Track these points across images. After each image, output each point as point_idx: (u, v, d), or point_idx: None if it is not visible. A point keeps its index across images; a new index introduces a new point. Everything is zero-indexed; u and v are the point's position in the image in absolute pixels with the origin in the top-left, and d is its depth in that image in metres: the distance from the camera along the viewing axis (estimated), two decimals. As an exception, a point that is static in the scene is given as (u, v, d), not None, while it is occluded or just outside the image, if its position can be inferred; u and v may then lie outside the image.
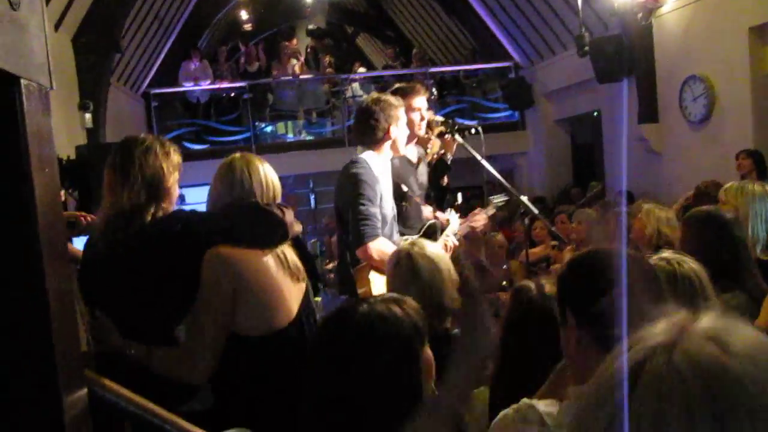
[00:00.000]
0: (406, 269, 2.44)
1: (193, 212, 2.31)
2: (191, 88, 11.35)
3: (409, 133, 3.62)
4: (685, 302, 2.04)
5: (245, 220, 2.23)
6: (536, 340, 1.83)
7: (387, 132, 3.41)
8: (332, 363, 1.49)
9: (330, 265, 9.22)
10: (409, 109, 3.67)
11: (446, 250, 3.68)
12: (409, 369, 1.47)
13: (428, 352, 1.55)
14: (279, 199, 2.37)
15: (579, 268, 1.57)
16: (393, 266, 2.51)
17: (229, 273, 2.15)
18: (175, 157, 2.30)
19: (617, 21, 8.20)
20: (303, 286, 2.33)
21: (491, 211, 4.10)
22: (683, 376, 0.66)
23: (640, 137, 8.15)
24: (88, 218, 2.78)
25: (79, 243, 2.85)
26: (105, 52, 7.84)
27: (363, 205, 3.25)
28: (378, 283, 3.26)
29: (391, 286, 2.55)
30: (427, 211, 3.90)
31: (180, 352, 2.16)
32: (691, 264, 2.11)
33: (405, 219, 3.73)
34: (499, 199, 4.18)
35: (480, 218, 3.93)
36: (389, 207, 3.47)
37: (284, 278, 2.25)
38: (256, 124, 11.58)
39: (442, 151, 4.11)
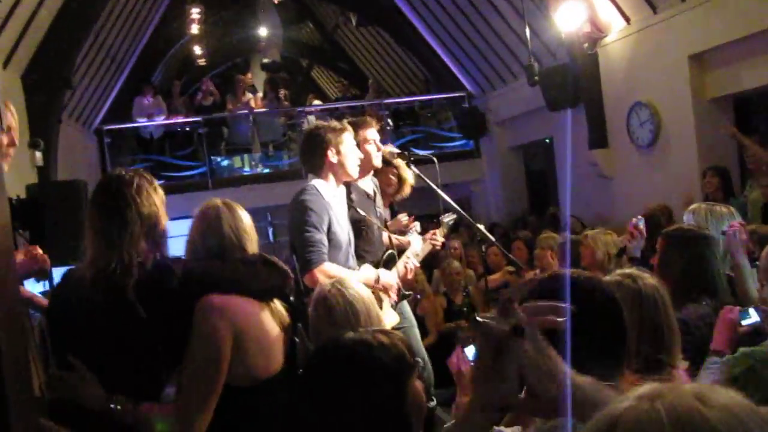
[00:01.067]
0: (323, 312, 2.37)
1: (188, 264, 2.19)
2: (145, 124, 11.24)
3: (364, 163, 3.66)
4: (648, 317, 2.07)
5: (254, 274, 2.16)
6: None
7: (325, 158, 3.44)
8: (317, 390, 1.46)
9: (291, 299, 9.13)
10: (363, 142, 3.73)
11: (406, 272, 3.73)
12: (394, 398, 1.43)
13: (418, 384, 1.51)
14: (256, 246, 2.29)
15: (541, 293, 1.58)
16: (313, 308, 2.45)
17: (227, 321, 2.04)
18: (161, 193, 2.20)
19: (564, 51, 8.45)
20: (284, 335, 2.25)
21: (444, 230, 4.17)
22: (660, 421, 0.68)
23: (591, 162, 8.36)
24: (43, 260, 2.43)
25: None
26: (56, 89, 7.72)
27: (308, 232, 3.27)
28: None
29: (311, 328, 2.48)
30: (385, 237, 3.93)
31: (174, 408, 2.00)
32: (651, 280, 2.16)
33: (367, 244, 3.75)
34: (449, 218, 4.25)
35: (438, 238, 4.00)
36: (344, 233, 3.47)
37: (274, 326, 2.19)
38: (212, 158, 11.51)
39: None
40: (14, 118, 2.33)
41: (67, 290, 2.12)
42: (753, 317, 2.43)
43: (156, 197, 2.14)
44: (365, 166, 3.72)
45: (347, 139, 3.50)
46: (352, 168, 3.54)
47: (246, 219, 2.28)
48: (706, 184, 6.03)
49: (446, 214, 4.38)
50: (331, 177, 3.49)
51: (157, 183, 2.21)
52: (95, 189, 2.19)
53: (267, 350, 2.14)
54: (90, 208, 2.13)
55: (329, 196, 3.44)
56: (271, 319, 2.18)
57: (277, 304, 2.25)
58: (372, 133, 3.82)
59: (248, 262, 2.19)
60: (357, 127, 3.73)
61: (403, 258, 3.74)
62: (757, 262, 2.78)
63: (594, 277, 1.63)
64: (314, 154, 3.45)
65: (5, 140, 2.26)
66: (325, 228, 3.33)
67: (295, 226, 3.35)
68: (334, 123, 3.56)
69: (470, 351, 2.57)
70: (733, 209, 3.46)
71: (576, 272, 1.57)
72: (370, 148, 3.77)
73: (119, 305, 2.01)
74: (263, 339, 2.13)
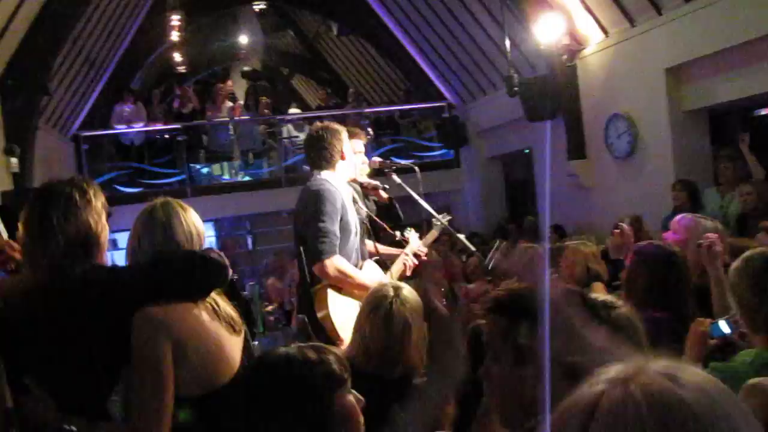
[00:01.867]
0: (383, 319, 2.44)
1: (114, 269, 2.12)
2: (123, 131, 11.14)
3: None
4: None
5: (185, 268, 2.07)
6: None
7: (341, 153, 3.54)
8: (247, 403, 1.55)
9: (269, 308, 9.07)
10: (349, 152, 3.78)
11: (405, 269, 3.80)
12: (315, 413, 1.52)
13: (349, 399, 1.59)
14: (203, 246, 2.20)
15: (515, 304, 1.59)
16: (371, 310, 2.50)
17: (164, 333, 1.97)
18: (98, 202, 2.08)
19: (544, 62, 8.54)
20: (241, 337, 2.17)
21: (436, 232, 4.19)
22: (638, 405, 0.69)
23: (570, 173, 8.43)
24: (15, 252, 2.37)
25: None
26: (32, 94, 7.63)
27: (322, 221, 3.30)
28: (338, 304, 3.29)
29: (362, 326, 2.52)
30: (369, 245, 3.96)
31: (128, 428, 1.95)
32: (625, 309, 2.13)
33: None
34: (441, 221, 4.26)
35: (427, 240, 4.06)
36: (353, 222, 3.52)
37: (220, 330, 2.09)
38: (191, 166, 11.43)
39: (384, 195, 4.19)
40: None
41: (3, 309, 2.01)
42: (724, 329, 2.46)
43: (88, 211, 2.04)
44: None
45: (347, 138, 3.62)
46: (353, 167, 3.68)
47: (185, 221, 2.15)
48: (674, 196, 6.15)
49: (438, 217, 4.39)
50: (339, 172, 3.57)
51: (94, 190, 2.11)
52: (26, 205, 2.08)
53: (214, 356, 2.06)
54: (20, 225, 2.04)
55: (340, 186, 3.51)
56: (216, 324, 2.09)
57: (221, 303, 2.15)
58: (359, 144, 3.90)
59: (179, 262, 2.09)
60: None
61: (401, 257, 3.81)
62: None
63: (572, 292, 1.64)
64: (330, 151, 3.52)
65: None
66: (338, 218, 3.38)
67: (308, 216, 3.37)
68: (335, 124, 3.66)
69: None
70: (718, 223, 3.52)
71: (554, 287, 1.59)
72: (356, 158, 3.85)
73: (47, 323, 1.94)
74: (208, 346, 2.05)
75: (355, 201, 3.94)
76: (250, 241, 12.35)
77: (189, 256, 2.11)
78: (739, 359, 2.16)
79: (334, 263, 3.26)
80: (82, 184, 2.08)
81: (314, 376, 1.54)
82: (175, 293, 2.04)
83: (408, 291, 2.58)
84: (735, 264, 2.37)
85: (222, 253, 2.19)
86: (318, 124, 3.68)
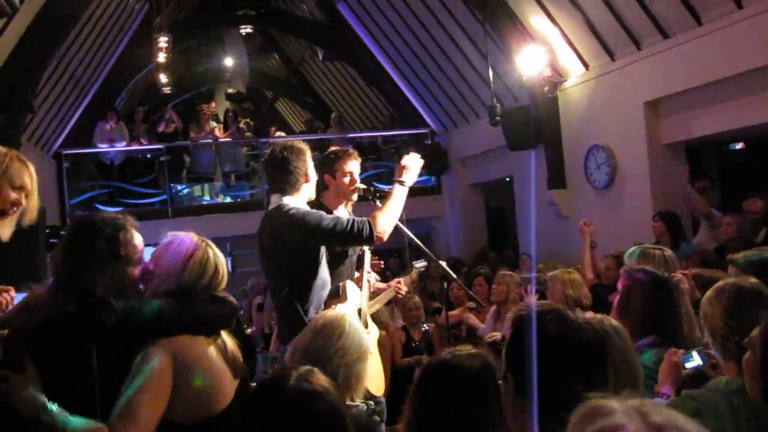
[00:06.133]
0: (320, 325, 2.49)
1: (135, 305, 2.12)
2: (106, 149, 11.09)
3: (339, 193, 3.74)
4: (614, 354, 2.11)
5: (206, 310, 2.17)
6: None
7: (306, 175, 3.43)
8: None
9: (249, 330, 9.03)
10: (341, 173, 3.74)
11: (370, 287, 3.78)
12: None
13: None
14: (225, 283, 2.31)
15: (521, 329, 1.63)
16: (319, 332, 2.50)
17: (168, 355, 2.03)
18: (138, 244, 2.21)
19: (526, 93, 8.69)
20: (237, 381, 2.22)
21: (414, 275, 4.20)
22: None
23: (550, 202, 8.54)
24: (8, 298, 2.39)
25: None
26: (17, 112, 7.60)
27: (324, 219, 3.27)
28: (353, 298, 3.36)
29: (305, 333, 2.54)
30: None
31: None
32: (614, 322, 2.23)
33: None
34: (421, 264, 4.29)
35: (403, 284, 4.03)
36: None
37: (223, 367, 2.17)
38: (172, 186, 11.40)
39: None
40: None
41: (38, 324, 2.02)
42: (696, 360, 2.49)
43: (139, 241, 2.19)
44: (341, 196, 3.77)
45: (310, 158, 3.50)
46: (314, 190, 3.58)
47: (222, 261, 2.29)
48: (654, 227, 6.23)
49: (418, 260, 4.39)
50: (303, 195, 3.46)
51: (135, 228, 2.22)
52: (83, 228, 2.18)
53: (215, 388, 2.12)
54: (73, 245, 2.14)
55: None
56: (221, 361, 2.16)
57: (229, 343, 2.23)
58: (354, 165, 3.80)
59: (201, 301, 2.19)
60: (339, 157, 3.76)
61: (364, 275, 3.74)
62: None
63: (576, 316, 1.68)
64: (295, 173, 3.38)
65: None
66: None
67: (309, 229, 3.26)
68: (300, 143, 3.51)
69: None
70: (670, 254, 3.58)
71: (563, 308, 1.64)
72: (346, 179, 3.76)
73: (68, 345, 1.97)
74: (210, 375, 2.11)
75: None
76: (230, 263, 12.27)
77: (212, 298, 2.22)
78: (711, 385, 2.22)
79: (376, 226, 3.30)
80: (125, 224, 2.19)
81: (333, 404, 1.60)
82: (187, 328, 2.11)
83: (357, 321, 2.59)
84: (707, 294, 2.43)
85: (233, 299, 2.29)
86: (279, 143, 3.51)
